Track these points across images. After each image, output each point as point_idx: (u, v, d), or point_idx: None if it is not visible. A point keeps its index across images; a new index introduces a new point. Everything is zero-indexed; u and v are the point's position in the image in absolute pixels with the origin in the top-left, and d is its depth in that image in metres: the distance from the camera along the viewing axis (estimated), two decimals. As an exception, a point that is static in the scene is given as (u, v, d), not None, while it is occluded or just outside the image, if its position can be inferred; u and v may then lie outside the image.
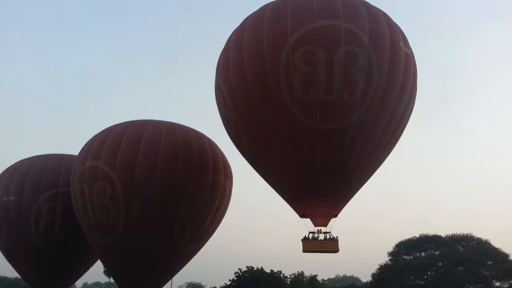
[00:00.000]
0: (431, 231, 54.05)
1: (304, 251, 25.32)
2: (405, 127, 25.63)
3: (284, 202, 26.65)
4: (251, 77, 23.16)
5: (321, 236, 25.25)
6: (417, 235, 53.07)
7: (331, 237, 25.17)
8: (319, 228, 25.23)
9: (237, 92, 24.00)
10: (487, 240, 50.82)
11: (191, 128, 32.69)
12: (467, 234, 52.53)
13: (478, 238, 51.46)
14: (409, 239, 53.09)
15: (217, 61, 26.55)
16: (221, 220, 34.00)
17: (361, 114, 22.54)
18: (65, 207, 34.69)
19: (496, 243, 51.06)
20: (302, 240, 25.46)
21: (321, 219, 25.00)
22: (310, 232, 25.41)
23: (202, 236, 32.48)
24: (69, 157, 38.56)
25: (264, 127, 23.66)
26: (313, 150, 23.10)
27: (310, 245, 25.19)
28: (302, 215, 25.54)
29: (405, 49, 23.88)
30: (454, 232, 53.30)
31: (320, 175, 23.73)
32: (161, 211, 28.77)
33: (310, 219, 25.22)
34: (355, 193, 25.96)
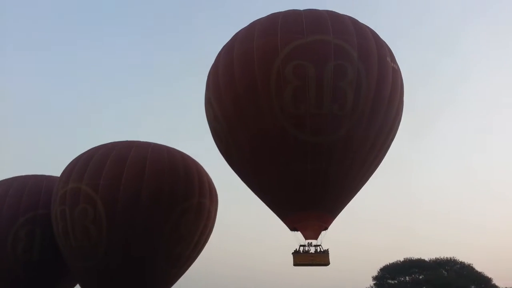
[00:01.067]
0: (414, 255, 54.49)
1: (295, 264, 25.42)
2: (392, 140, 26.18)
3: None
4: (241, 91, 23.41)
5: (312, 249, 25.42)
6: (401, 259, 53.49)
7: (322, 250, 25.36)
8: (310, 241, 25.38)
9: (228, 106, 24.19)
10: (470, 264, 51.42)
11: (177, 150, 32.45)
12: (450, 258, 53.01)
13: (461, 262, 51.94)
14: (393, 263, 53.33)
15: (207, 75, 26.77)
16: (205, 244, 33.50)
17: (351, 127, 22.96)
18: (44, 230, 33.64)
19: (479, 267, 51.73)
20: (292, 253, 25.55)
21: (312, 232, 25.15)
22: (300, 246, 25.53)
23: (187, 260, 31.84)
24: (50, 178, 37.69)
25: (255, 140, 23.84)
26: (303, 163, 23.31)
27: (301, 258, 25.31)
28: (293, 229, 25.67)
29: (392, 65, 24.64)
30: (437, 256, 53.83)
31: (310, 187, 23.94)
32: (145, 234, 28.15)
33: (301, 232, 25.32)
34: (345, 206, 26.26)
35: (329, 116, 22.55)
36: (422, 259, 52.93)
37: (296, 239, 25.61)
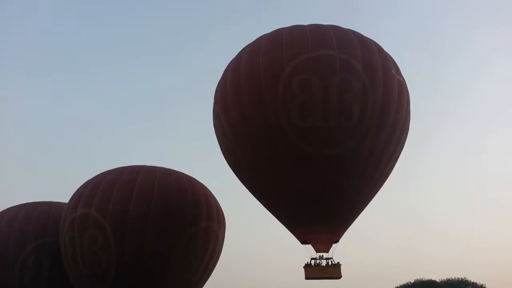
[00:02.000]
0: (424, 275, 53.76)
1: (307, 278, 25.33)
2: (400, 152, 26.22)
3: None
4: (248, 106, 23.72)
5: (323, 262, 25.31)
6: (412, 280, 52.76)
7: (333, 263, 25.24)
8: (321, 254, 25.31)
9: (236, 121, 24.45)
10: (482, 284, 50.47)
11: (184, 174, 32.57)
12: (461, 279, 52.10)
13: (473, 283, 51.03)
14: (404, 284, 52.72)
15: (214, 90, 27.17)
16: (213, 269, 33.17)
17: (358, 140, 23.09)
18: (52, 258, 33.46)
19: (492, 287, 50.77)
20: (304, 267, 25.50)
21: (322, 245, 25.15)
22: (312, 259, 25.49)
23: (195, 286, 31.50)
24: (57, 204, 37.72)
25: (263, 154, 24.01)
26: (312, 176, 23.42)
27: (313, 271, 25.22)
28: (303, 242, 25.64)
29: (397, 77, 24.88)
30: (448, 277, 52.95)
31: (319, 201, 24.00)
32: (154, 260, 28.02)
33: (312, 245, 25.28)
34: (355, 218, 26.18)
35: (337, 129, 22.77)
36: (432, 280, 52.14)
37: (307, 252, 25.60)
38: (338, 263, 25.37)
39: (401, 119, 24.82)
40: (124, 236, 27.57)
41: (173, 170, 32.36)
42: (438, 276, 53.71)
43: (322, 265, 25.31)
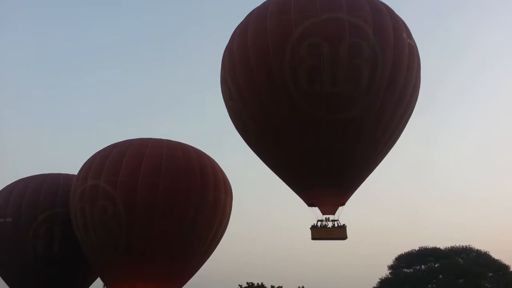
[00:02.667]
0: (429, 243, 54.34)
1: (313, 238, 25.92)
2: (409, 117, 26.08)
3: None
4: (256, 70, 23.55)
5: (329, 224, 25.85)
6: (416, 248, 53.44)
7: (339, 224, 25.77)
8: (327, 216, 25.80)
9: (243, 85, 24.34)
10: (486, 251, 51.09)
11: (191, 146, 32.76)
12: (466, 246, 52.80)
13: (477, 250, 51.71)
14: (408, 252, 53.35)
15: (222, 54, 26.90)
16: (221, 238, 33.86)
17: (367, 105, 22.98)
18: (63, 227, 34.39)
19: (496, 254, 51.35)
20: (310, 228, 26.06)
21: (329, 208, 25.61)
22: (318, 220, 25.97)
23: (204, 254, 32.27)
24: (66, 176, 38.34)
25: (271, 118, 24.04)
26: (319, 141, 23.56)
27: (319, 232, 25.77)
28: (310, 204, 26.12)
29: (408, 41, 24.42)
30: (453, 244, 53.63)
31: (327, 164, 24.24)
32: (163, 230, 28.60)
33: (318, 207, 25.76)
34: (362, 182, 26.49)
35: (345, 94, 22.58)
36: (437, 248, 52.81)
37: (314, 214, 26.15)
38: (343, 225, 25.86)
39: (411, 84, 24.43)
40: (134, 207, 28.09)
41: (180, 142, 32.56)
42: (442, 243, 54.50)
43: (328, 226, 25.83)
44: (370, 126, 23.71)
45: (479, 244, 52.94)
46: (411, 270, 52.08)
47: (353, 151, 24.17)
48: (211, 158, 33.15)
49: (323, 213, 25.87)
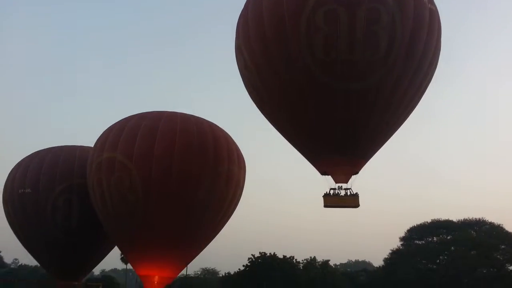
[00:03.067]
0: (442, 216, 54.26)
1: (325, 206, 25.94)
2: (427, 87, 25.43)
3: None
4: (271, 38, 23.04)
5: (342, 192, 25.85)
6: (429, 220, 53.35)
7: (352, 193, 25.77)
8: (340, 184, 25.79)
9: (258, 53, 23.92)
10: (500, 224, 50.77)
11: (205, 119, 32.83)
12: (479, 219, 52.47)
13: (490, 223, 51.35)
14: (420, 224, 53.32)
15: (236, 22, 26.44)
16: (234, 209, 34.33)
17: (384, 73, 22.37)
18: (81, 198, 35.22)
19: (509, 227, 51.14)
20: (323, 196, 26.04)
21: (342, 176, 25.54)
22: (331, 189, 25.97)
23: (217, 225, 32.83)
24: (82, 148, 38.95)
25: (285, 87, 23.65)
26: (334, 110, 23.23)
27: (331, 200, 25.76)
28: (323, 173, 26.06)
29: (429, 5, 23.54)
30: (466, 217, 53.39)
31: (341, 134, 24.01)
32: (179, 201, 29.10)
33: (331, 176, 25.72)
34: (377, 151, 26.25)
35: (362, 62, 21.99)
36: (450, 220, 52.60)
37: (327, 183, 26.11)
38: (356, 193, 25.84)
39: (431, 51, 23.58)
40: (150, 179, 28.54)
41: (193, 115, 32.65)
42: (455, 216, 54.33)
43: (340, 194, 25.83)
44: (387, 95, 23.13)
45: (493, 216, 52.85)
46: (423, 242, 52.33)
47: (368, 121, 23.80)
48: (224, 131, 33.23)
49: (336, 182, 25.78)
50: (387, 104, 23.56)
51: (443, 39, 25.26)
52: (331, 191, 25.95)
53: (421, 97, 25.67)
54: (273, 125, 27.30)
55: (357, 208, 26.39)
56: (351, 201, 25.74)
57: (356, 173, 25.90)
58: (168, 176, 28.69)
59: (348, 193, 25.77)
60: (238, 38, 25.85)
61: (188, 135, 29.73)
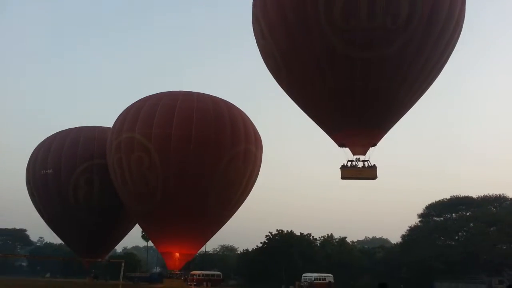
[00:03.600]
0: (461, 192, 53.48)
1: (343, 177, 25.44)
2: (448, 57, 24.45)
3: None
4: (289, 7, 22.38)
5: (360, 164, 25.26)
6: (448, 197, 52.71)
7: (369, 165, 25.19)
8: (358, 156, 25.22)
9: (275, 22, 23.35)
10: (522, 200, 49.72)
11: (221, 98, 32.82)
12: (499, 195, 51.58)
13: (511, 199, 50.49)
14: (439, 201, 52.53)
15: None
16: (252, 188, 34.58)
17: (404, 42, 21.55)
18: (101, 178, 35.94)
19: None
20: (340, 168, 25.51)
21: (360, 148, 25.03)
22: (348, 161, 25.38)
23: (236, 203, 33.24)
24: (101, 129, 39.50)
25: (303, 57, 23.02)
26: (353, 79, 22.51)
27: (349, 172, 25.25)
28: (341, 145, 25.47)
29: None
30: (486, 193, 52.55)
31: (359, 104, 23.31)
32: (197, 180, 29.53)
33: (349, 148, 25.16)
34: (395, 122, 25.53)
35: (382, 30, 21.17)
36: (469, 197, 51.77)
37: (345, 155, 25.50)
38: (374, 165, 25.25)
39: (454, 19, 22.48)
40: (169, 158, 28.97)
41: (209, 95, 32.65)
42: (475, 192, 53.32)
43: (358, 166, 25.25)
44: (407, 63, 22.18)
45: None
46: (442, 218, 51.77)
47: (388, 90, 22.99)
48: (241, 110, 33.27)
49: (354, 154, 25.20)
50: (408, 73, 22.62)
51: (468, 7, 23.83)
52: (349, 163, 25.31)
53: (443, 67, 24.53)
54: (290, 96, 26.42)
55: (374, 180, 25.81)
56: (369, 172, 25.12)
57: (374, 145, 25.21)
58: (186, 156, 29.04)
59: (366, 165, 25.15)
60: (255, 7, 25.12)
61: (205, 115, 29.90)
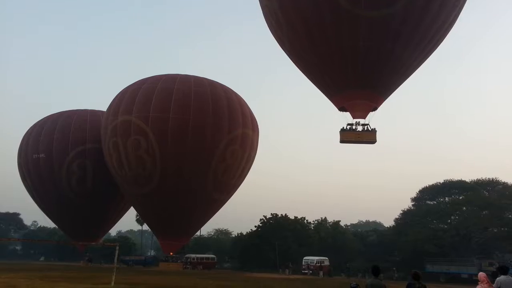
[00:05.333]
0: (455, 176, 53.67)
1: (341, 141, 24.87)
2: (456, 19, 23.49)
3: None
4: None
5: (359, 128, 24.62)
6: (441, 181, 52.92)
7: (369, 128, 24.58)
8: (358, 120, 24.59)
9: None
10: (513, 184, 49.98)
11: (218, 82, 32.44)
12: (492, 179, 51.81)
13: (504, 183, 50.77)
14: (432, 184, 52.78)
15: None
16: (248, 172, 34.48)
17: (410, 0, 20.53)
18: (94, 162, 35.67)
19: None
20: (340, 131, 24.90)
21: (360, 112, 24.37)
22: (348, 124, 24.74)
23: (232, 187, 33.23)
24: (93, 112, 38.99)
25: (305, 15, 22.22)
26: (355, 39, 21.66)
27: (348, 135, 24.63)
28: (341, 108, 24.79)
29: None
30: (479, 177, 52.82)
31: (362, 65, 22.48)
32: (195, 164, 29.38)
33: (349, 111, 24.52)
34: (397, 87, 24.77)
35: None
36: (462, 180, 52.06)
37: (345, 118, 24.82)
38: (374, 128, 24.68)
39: None
40: (167, 142, 28.73)
41: (207, 78, 32.23)
42: (469, 177, 53.52)
43: (357, 130, 24.64)
44: (412, 24, 21.13)
45: (507, 177, 51.72)
46: (435, 202, 52.05)
47: (391, 52, 21.82)
48: (237, 94, 32.99)
49: (354, 117, 24.50)
50: (412, 35, 21.64)
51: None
52: (348, 127, 24.62)
53: (449, 29, 23.59)
54: (290, 57, 25.50)
55: (373, 144, 25.19)
56: (368, 136, 24.44)
57: (375, 108, 24.44)
58: (184, 139, 28.85)
59: (366, 129, 24.40)
60: None
61: (203, 99, 29.65)
